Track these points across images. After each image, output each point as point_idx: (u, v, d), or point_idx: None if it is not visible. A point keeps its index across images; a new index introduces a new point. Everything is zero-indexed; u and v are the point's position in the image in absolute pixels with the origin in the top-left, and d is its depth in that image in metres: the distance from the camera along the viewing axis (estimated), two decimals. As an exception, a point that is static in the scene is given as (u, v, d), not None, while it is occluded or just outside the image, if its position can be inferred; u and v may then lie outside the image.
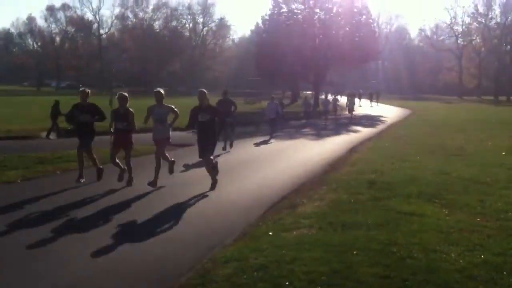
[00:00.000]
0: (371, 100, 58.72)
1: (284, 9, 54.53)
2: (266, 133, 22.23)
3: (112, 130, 11.30)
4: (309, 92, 62.90)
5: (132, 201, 9.68)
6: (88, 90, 11.46)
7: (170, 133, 11.27)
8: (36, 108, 34.79)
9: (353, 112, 36.15)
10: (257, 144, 19.66)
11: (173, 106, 11.14)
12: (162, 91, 11.23)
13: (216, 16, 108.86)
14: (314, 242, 6.44)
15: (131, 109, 11.04)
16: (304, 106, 34.93)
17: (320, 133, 25.61)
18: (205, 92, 10.76)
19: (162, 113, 11.14)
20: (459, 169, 12.06)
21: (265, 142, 20.37)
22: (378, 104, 57.85)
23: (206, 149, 10.62)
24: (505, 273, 5.37)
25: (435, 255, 5.89)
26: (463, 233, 6.78)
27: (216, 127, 11.23)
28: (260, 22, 63.97)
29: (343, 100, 42.70)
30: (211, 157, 10.81)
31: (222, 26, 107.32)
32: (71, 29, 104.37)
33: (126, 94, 11.21)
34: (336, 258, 5.82)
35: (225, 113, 14.34)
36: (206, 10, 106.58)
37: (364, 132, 25.84)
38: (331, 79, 61.62)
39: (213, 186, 10.60)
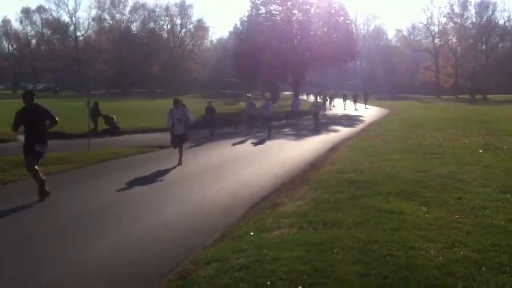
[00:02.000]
0: (355, 102, 53.53)
1: (262, 11, 54.56)
2: (245, 134, 22.22)
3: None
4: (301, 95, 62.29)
5: (114, 201, 9.59)
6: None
7: None
8: (12, 111, 34.23)
9: (325, 112, 38.96)
10: (236, 144, 19.63)
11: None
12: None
13: (194, 17, 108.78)
14: (295, 242, 6.45)
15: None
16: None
17: (300, 133, 25.68)
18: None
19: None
20: (437, 167, 12.19)
21: (242, 143, 20.34)
22: (367, 107, 52.45)
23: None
24: (484, 269, 5.43)
25: (414, 252, 5.94)
26: (442, 230, 6.84)
27: None
28: (238, 23, 64.16)
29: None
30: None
31: (200, 27, 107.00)
32: (47, 32, 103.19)
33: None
34: (317, 257, 5.83)
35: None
36: (184, 11, 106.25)
37: (343, 131, 25.99)
38: (310, 80, 61.75)
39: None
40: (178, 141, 14.83)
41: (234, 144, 19.86)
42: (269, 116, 25.15)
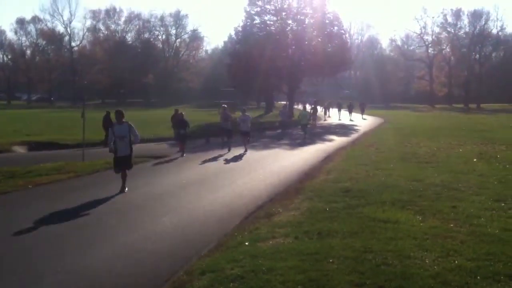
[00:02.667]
0: (350, 112, 49.91)
1: (257, 21, 54.75)
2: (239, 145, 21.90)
3: None
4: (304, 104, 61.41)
5: (107, 213, 9.56)
6: None
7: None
8: (6, 122, 34.30)
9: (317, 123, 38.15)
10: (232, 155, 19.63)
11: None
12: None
13: (189, 27, 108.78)
14: (290, 251, 6.44)
15: None
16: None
17: (295, 143, 25.67)
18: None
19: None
20: (431, 176, 12.22)
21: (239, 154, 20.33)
22: (364, 117, 48.99)
23: None
24: (478, 277, 5.44)
25: (409, 262, 5.94)
26: (437, 239, 6.85)
27: None
28: (233, 33, 64.19)
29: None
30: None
31: (195, 37, 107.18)
32: (42, 42, 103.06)
33: None
34: (312, 266, 5.83)
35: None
36: (178, 21, 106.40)
37: (338, 141, 26.00)
38: (305, 89, 61.90)
39: None
40: (121, 165, 11.89)
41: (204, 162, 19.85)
42: (245, 131, 21.73)
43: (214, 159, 18.13)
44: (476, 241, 6.72)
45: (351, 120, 46.37)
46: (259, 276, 5.59)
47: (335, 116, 51.16)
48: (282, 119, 32.55)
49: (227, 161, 17.71)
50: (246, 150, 20.67)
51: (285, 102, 57.33)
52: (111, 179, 12.88)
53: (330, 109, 55.25)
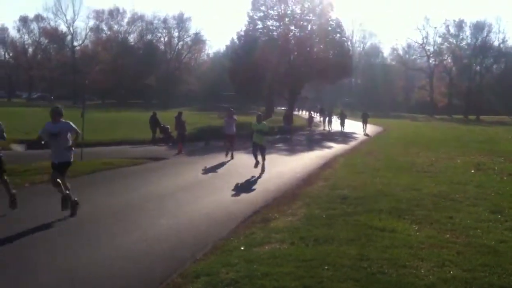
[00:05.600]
0: (342, 124, 41.92)
1: (260, 26, 54.82)
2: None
3: None
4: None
5: (102, 214, 9.54)
6: None
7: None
8: (5, 119, 34.16)
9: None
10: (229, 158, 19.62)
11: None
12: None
13: (192, 30, 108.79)
14: (286, 257, 6.43)
15: None
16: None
17: (293, 148, 25.69)
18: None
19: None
20: (429, 186, 12.22)
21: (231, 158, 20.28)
22: (367, 132, 38.80)
23: None
24: (473, 288, 5.44)
25: (405, 271, 5.94)
26: (433, 249, 6.85)
27: None
28: (235, 37, 64.21)
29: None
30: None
31: (198, 40, 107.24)
32: (44, 40, 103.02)
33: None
34: (308, 273, 5.82)
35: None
36: (181, 24, 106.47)
37: (336, 148, 26.02)
38: (305, 95, 61.96)
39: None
40: (59, 171, 9.54)
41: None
42: (229, 135, 19.89)
43: (213, 162, 18.12)
44: (472, 252, 6.72)
45: (342, 131, 40.51)
46: (253, 281, 5.58)
47: (336, 123, 45.15)
48: (284, 125, 33.00)
49: (224, 165, 17.71)
50: (232, 157, 19.45)
51: (287, 109, 57.51)
52: (108, 179, 12.88)
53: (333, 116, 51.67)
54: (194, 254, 7.09)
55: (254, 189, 12.74)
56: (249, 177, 14.89)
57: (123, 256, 7.03)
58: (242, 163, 18.35)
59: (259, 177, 15.01)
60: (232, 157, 19.55)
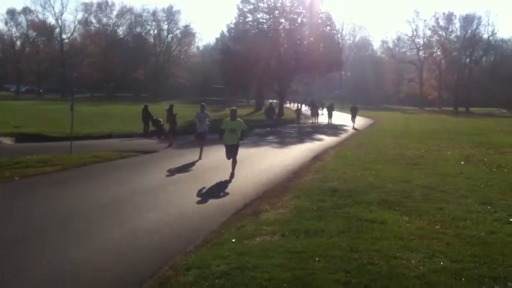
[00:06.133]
0: (329, 116, 41.99)
1: (250, 18, 54.64)
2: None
3: None
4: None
5: (92, 208, 9.49)
6: None
7: None
8: (-6, 113, 34.00)
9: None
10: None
11: None
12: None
13: (181, 23, 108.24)
14: (277, 249, 6.43)
15: None
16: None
17: (284, 141, 25.70)
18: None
19: None
20: (419, 178, 12.27)
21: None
22: (355, 124, 37.86)
23: None
24: (463, 279, 5.47)
25: (395, 262, 5.96)
26: (423, 240, 6.88)
27: None
28: (225, 30, 64.05)
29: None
30: None
31: (187, 33, 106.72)
32: (32, 33, 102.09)
33: None
34: (298, 265, 5.83)
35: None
36: (171, 17, 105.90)
37: (327, 140, 26.05)
38: (296, 88, 61.89)
39: None
40: None
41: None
42: (201, 132, 17.79)
43: (204, 156, 18.07)
44: (461, 243, 6.76)
45: (331, 124, 39.99)
46: (245, 273, 5.58)
47: (324, 116, 45.58)
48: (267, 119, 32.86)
49: (214, 159, 17.67)
50: (200, 157, 17.08)
51: (270, 101, 57.09)
52: (98, 172, 12.82)
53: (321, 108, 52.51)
54: (185, 247, 7.06)
55: (244, 182, 12.70)
56: (239, 170, 14.84)
57: (111, 250, 6.99)
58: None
59: (249, 170, 14.88)
60: (200, 157, 17.01)
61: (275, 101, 58.87)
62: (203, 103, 19.06)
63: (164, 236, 7.73)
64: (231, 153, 13.81)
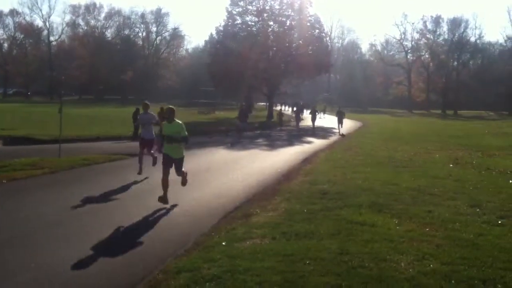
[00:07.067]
0: (313, 120, 36.84)
1: (239, 21, 54.76)
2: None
3: None
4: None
5: (83, 212, 9.43)
6: None
7: None
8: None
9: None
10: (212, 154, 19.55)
11: None
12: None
13: (170, 25, 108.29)
14: (267, 252, 6.43)
15: None
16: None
17: (274, 144, 25.70)
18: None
19: None
20: (408, 180, 12.33)
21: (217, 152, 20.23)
22: (342, 132, 34.07)
23: None
24: (453, 281, 5.49)
25: (385, 264, 5.98)
26: (413, 242, 6.91)
27: None
28: (214, 33, 64.06)
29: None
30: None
31: (176, 36, 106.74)
32: (19, 36, 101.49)
33: None
34: (289, 267, 5.83)
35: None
36: (159, 19, 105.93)
37: (317, 143, 26.11)
38: (284, 91, 62.08)
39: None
40: None
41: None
42: (147, 140, 14.15)
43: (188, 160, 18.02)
44: (451, 246, 6.79)
45: (313, 128, 36.38)
46: (235, 277, 5.57)
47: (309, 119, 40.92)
48: (236, 123, 29.26)
49: (204, 161, 17.65)
50: (140, 172, 13.47)
51: (243, 103, 54.95)
52: (87, 175, 12.73)
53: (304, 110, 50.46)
54: (175, 250, 7.04)
55: (234, 185, 12.69)
56: (229, 173, 14.84)
57: (102, 253, 6.94)
58: (219, 160, 18.33)
59: (239, 173, 14.87)
60: (140, 172, 13.45)
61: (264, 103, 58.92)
62: (146, 101, 14.90)
63: (154, 239, 7.69)
64: (171, 167, 10.44)
